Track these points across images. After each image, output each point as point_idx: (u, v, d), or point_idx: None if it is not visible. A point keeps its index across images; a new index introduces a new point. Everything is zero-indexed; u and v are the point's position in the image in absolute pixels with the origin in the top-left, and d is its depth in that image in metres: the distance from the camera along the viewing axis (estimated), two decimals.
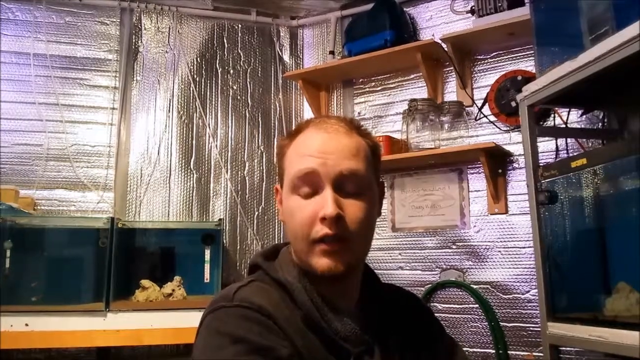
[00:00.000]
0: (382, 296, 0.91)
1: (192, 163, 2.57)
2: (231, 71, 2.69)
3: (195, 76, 2.62)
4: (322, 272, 0.78)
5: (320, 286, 0.82)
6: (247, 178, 2.63)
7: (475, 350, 2.13)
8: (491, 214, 2.17)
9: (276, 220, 2.64)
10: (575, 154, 1.93)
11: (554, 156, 2.02)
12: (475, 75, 2.29)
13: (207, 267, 2.29)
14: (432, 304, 2.24)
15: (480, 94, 2.25)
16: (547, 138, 2.03)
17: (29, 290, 2.06)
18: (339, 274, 0.78)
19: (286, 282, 0.81)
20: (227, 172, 2.60)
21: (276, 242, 2.68)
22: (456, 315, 2.19)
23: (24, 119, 2.41)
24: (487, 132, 2.22)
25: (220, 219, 2.38)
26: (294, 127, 0.89)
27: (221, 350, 0.70)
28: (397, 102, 2.47)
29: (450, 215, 2.26)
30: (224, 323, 0.73)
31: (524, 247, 2.08)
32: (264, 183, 2.65)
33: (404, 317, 0.92)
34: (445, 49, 2.24)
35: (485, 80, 2.25)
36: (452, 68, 2.29)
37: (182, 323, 1.98)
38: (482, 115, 2.22)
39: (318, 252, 0.78)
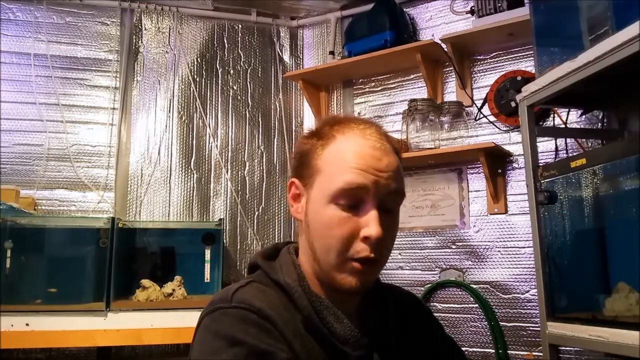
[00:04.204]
0: (382, 296, 0.91)
1: (192, 163, 2.57)
2: (231, 71, 2.69)
3: (195, 76, 2.63)
4: (346, 289, 0.77)
5: (321, 289, 0.81)
6: (247, 178, 2.63)
7: (474, 350, 2.13)
8: (491, 214, 2.17)
9: (276, 220, 2.64)
10: (574, 154, 1.93)
11: (554, 156, 2.03)
12: (475, 75, 2.29)
13: (207, 266, 2.30)
14: (431, 303, 2.24)
15: (479, 94, 2.25)
16: (546, 138, 2.03)
17: (30, 290, 2.06)
18: (357, 292, 0.79)
19: (286, 284, 0.80)
20: (227, 172, 2.60)
21: (276, 242, 2.68)
22: (456, 315, 2.20)
23: (24, 119, 2.41)
24: (487, 132, 2.23)
25: (220, 219, 2.38)
26: (319, 126, 0.85)
27: (219, 353, 0.69)
28: (397, 102, 2.48)
29: (450, 215, 2.26)
30: (221, 325, 0.73)
31: (523, 247, 2.09)
32: (264, 183, 2.65)
33: (404, 317, 0.92)
34: (445, 50, 2.24)
35: (485, 81, 2.25)
36: (451, 68, 2.29)
37: (182, 323, 1.99)
38: (481, 116, 2.23)
39: (350, 269, 0.77)
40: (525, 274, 2.07)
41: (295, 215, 0.85)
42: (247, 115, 2.69)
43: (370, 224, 0.75)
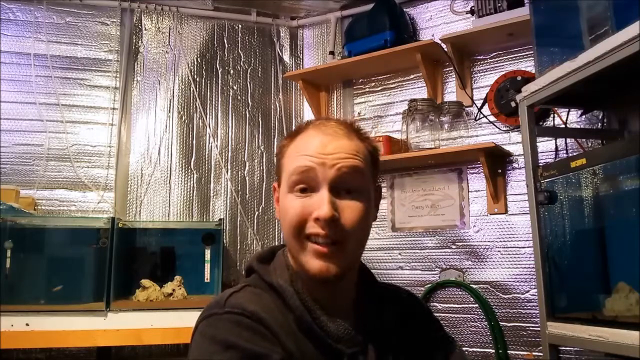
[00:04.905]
0: (379, 295, 0.91)
1: (192, 163, 2.57)
2: (231, 71, 2.69)
3: (195, 76, 2.63)
4: (314, 275, 0.78)
5: (312, 288, 0.82)
6: (247, 178, 2.63)
7: (475, 350, 2.13)
8: (491, 214, 2.17)
9: (276, 220, 2.64)
10: (574, 154, 1.93)
11: (554, 156, 2.03)
12: (475, 75, 2.29)
13: (207, 266, 2.30)
14: (431, 303, 2.24)
15: (479, 94, 2.25)
16: (546, 138, 2.03)
17: (30, 290, 2.06)
18: (332, 277, 0.78)
19: (278, 286, 0.81)
20: (227, 172, 2.60)
21: (276, 243, 2.69)
22: (456, 315, 2.20)
23: (24, 119, 2.41)
24: (487, 132, 2.23)
25: (220, 219, 2.38)
26: (294, 128, 0.89)
27: (213, 357, 0.71)
28: (397, 102, 2.48)
29: (450, 215, 2.27)
30: (215, 330, 0.74)
31: (523, 247, 2.09)
32: (264, 183, 2.66)
33: (402, 316, 0.92)
34: (445, 50, 2.24)
35: (485, 81, 2.25)
36: (451, 68, 2.29)
37: (182, 323, 1.98)
38: (481, 116, 2.23)
39: (311, 251, 0.78)
40: (525, 274, 2.07)
41: (277, 216, 0.88)
42: (247, 115, 2.69)
43: (320, 205, 0.77)
